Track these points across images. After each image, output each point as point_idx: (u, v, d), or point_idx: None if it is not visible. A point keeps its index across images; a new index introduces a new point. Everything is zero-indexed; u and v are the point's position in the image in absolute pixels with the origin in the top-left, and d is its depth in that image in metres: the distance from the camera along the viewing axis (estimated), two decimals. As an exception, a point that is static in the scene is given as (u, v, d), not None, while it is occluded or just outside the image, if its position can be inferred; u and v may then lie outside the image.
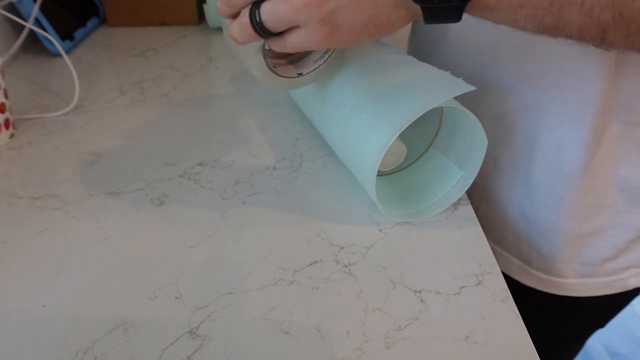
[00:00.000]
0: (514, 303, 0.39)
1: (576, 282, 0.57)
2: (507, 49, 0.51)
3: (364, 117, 0.45)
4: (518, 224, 0.58)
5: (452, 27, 0.57)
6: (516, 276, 0.59)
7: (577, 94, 0.48)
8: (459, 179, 0.48)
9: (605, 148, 0.50)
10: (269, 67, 0.45)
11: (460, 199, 0.49)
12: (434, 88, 0.43)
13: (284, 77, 0.47)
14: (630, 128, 0.49)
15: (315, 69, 0.48)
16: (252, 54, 0.43)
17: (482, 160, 0.46)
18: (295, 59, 0.48)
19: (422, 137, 0.53)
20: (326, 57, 0.47)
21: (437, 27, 0.60)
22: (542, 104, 0.50)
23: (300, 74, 0.48)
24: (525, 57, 0.50)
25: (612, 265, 0.56)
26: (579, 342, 0.70)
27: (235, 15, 0.38)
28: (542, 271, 0.58)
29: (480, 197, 0.60)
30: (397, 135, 0.41)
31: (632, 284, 0.58)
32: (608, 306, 0.62)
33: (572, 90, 0.48)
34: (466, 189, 0.47)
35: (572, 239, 0.55)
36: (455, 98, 0.45)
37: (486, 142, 0.45)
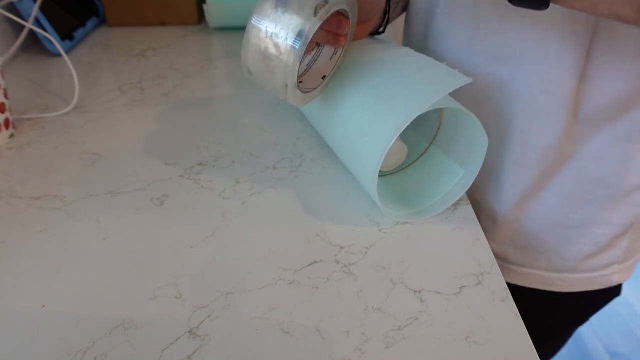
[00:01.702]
0: (514, 303, 0.39)
1: (557, 276, 0.58)
2: (480, 56, 0.52)
3: (362, 120, 0.44)
4: (489, 229, 0.58)
5: (433, 32, 0.57)
6: None
7: (548, 97, 0.48)
8: (460, 177, 0.48)
9: (580, 144, 0.50)
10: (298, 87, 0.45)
11: (460, 199, 0.49)
12: (430, 85, 0.43)
13: (312, 88, 0.47)
14: (608, 125, 0.49)
15: (334, 67, 0.48)
16: (282, 77, 0.42)
17: (483, 159, 0.46)
18: (313, 60, 0.49)
19: (424, 135, 0.53)
20: (340, 51, 0.47)
21: (420, 31, 0.60)
22: (514, 108, 0.50)
23: (324, 77, 0.48)
24: (497, 62, 0.50)
25: (594, 261, 0.57)
26: (564, 336, 0.70)
27: None
28: (521, 265, 0.59)
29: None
30: (395, 138, 0.41)
31: (615, 280, 0.58)
32: (595, 301, 0.62)
33: (543, 93, 0.48)
34: (467, 187, 0.47)
35: (547, 229, 0.55)
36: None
37: (487, 142, 0.45)
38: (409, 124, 0.40)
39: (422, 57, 0.47)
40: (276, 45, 0.41)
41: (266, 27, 0.41)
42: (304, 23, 0.39)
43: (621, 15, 0.37)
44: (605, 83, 0.47)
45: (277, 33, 0.40)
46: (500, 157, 0.54)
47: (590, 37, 0.45)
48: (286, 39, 0.40)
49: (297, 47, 0.40)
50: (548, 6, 0.37)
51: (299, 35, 0.40)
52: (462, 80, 0.42)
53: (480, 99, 0.53)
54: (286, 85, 0.43)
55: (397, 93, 0.43)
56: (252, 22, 0.41)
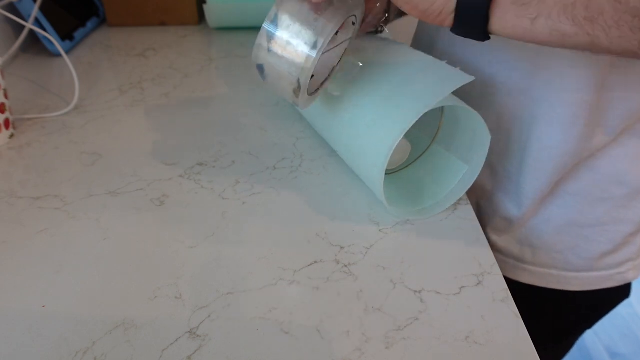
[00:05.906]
0: (514, 303, 0.39)
1: (573, 275, 0.58)
2: (498, 66, 0.52)
3: (367, 118, 0.44)
4: (506, 230, 0.58)
5: (442, 43, 0.57)
6: (511, 274, 0.60)
7: (566, 106, 0.48)
8: (464, 173, 0.48)
9: (599, 145, 0.50)
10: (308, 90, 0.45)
11: (460, 199, 0.49)
12: (435, 83, 0.43)
13: (314, 91, 0.47)
14: (626, 130, 0.49)
15: (334, 69, 0.47)
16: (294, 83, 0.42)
17: (486, 154, 0.46)
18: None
19: (425, 133, 0.53)
20: (342, 58, 0.47)
21: (431, 35, 0.60)
22: (533, 116, 0.51)
23: (324, 81, 0.48)
24: (517, 72, 0.51)
25: (610, 259, 0.57)
26: (572, 339, 0.70)
27: None
28: (537, 265, 0.58)
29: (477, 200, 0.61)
30: (402, 135, 0.41)
31: (630, 277, 0.59)
32: (605, 300, 0.63)
33: (562, 102, 0.48)
34: (471, 184, 0.47)
35: (563, 228, 0.55)
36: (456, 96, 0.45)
37: (489, 136, 0.45)
38: (415, 121, 0.40)
39: (423, 56, 0.48)
40: (290, 51, 0.41)
41: (281, 33, 0.40)
42: (320, 33, 0.40)
43: (560, 30, 0.36)
44: (626, 96, 0.47)
45: (293, 40, 0.40)
46: (520, 161, 0.54)
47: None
48: (304, 45, 0.40)
49: (314, 55, 0.40)
50: (489, 38, 0.39)
51: (315, 45, 0.40)
52: (465, 79, 0.42)
53: (500, 108, 0.53)
54: (296, 90, 0.43)
55: (402, 91, 0.43)
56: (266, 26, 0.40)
